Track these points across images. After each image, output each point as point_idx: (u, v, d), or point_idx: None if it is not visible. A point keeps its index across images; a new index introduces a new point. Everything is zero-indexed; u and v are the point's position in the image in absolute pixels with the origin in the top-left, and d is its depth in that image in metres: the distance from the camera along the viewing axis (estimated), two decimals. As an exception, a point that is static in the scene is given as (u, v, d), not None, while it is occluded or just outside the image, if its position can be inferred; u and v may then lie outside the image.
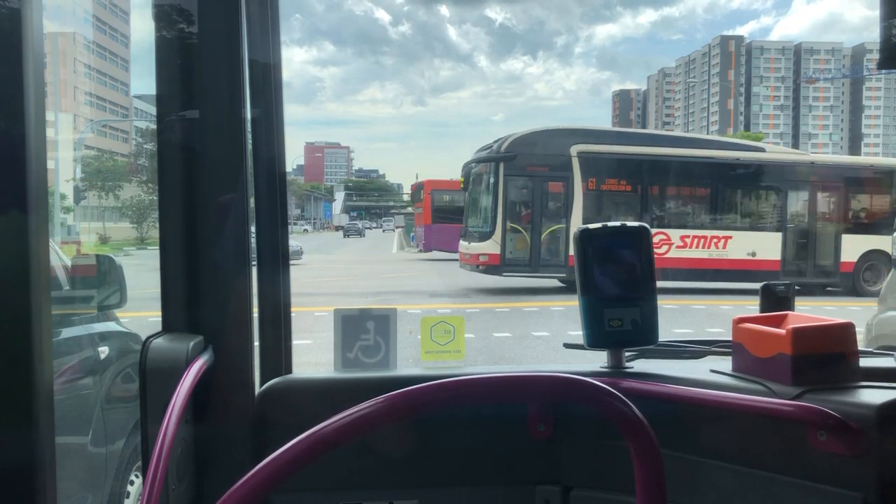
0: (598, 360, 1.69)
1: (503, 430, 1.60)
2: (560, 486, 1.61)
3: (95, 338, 3.88)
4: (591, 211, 16.93)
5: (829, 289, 17.50)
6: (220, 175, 1.53)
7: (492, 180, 17.18)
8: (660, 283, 1.63)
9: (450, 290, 17.71)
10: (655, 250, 1.66)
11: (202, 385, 1.44)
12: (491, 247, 16.93)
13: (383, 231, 75.44)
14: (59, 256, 4.14)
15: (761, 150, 19.87)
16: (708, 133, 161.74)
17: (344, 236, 61.05)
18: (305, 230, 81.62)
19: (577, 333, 1.66)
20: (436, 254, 27.17)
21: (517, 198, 17.39)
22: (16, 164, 0.92)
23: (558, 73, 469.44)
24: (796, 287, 1.74)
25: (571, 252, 1.75)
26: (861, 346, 1.43)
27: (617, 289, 1.60)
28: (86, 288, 3.88)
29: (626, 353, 1.66)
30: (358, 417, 0.87)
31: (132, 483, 3.85)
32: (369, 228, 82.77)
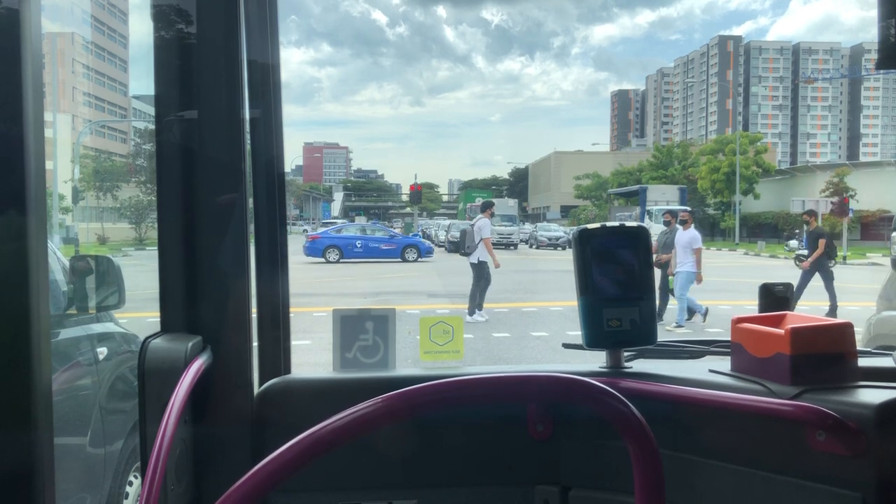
0: (596, 361, 1.69)
1: (502, 431, 1.60)
2: (559, 486, 1.61)
3: (94, 338, 3.88)
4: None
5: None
6: (218, 175, 1.53)
7: None
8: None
9: (449, 291, 17.71)
10: None
11: (201, 385, 1.44)
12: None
13: None
14: (58, 257, 4.14)
15: None
16: (706, 133, 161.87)
17: None
18: (305, 230, 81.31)
19: (575, 334, 1.66)
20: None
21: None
22: (14, 165, 0.92)
23: (555, 74, 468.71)
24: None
25: None
26: (860, 346, 1.44)
27: (616, 289, 1.60)
28: (84, 289, 3.88)
29: (625, 354, 1.66)
30: (357, 418, 0.87)
31: (131, 484, 3.85)
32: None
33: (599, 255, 1.61)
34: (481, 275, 12.84)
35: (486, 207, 13.64)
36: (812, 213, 14.09)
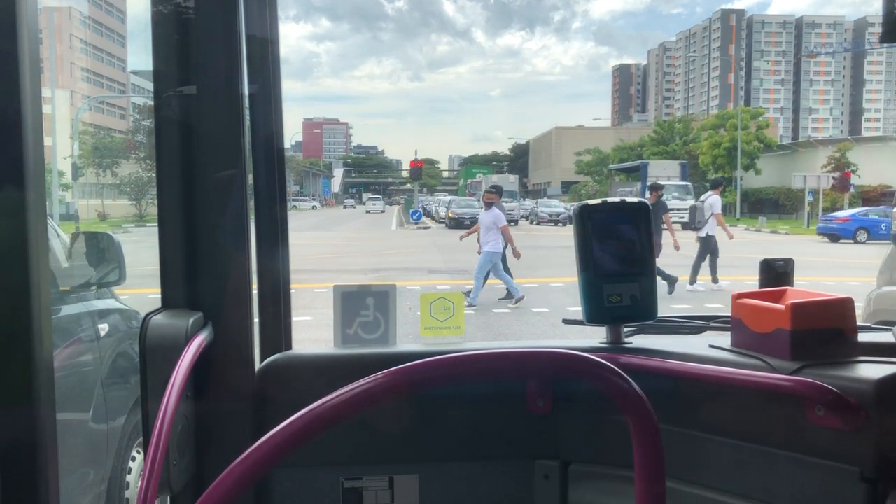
0: (597, 336, 1.69)
1: (502, 406, 1.61)
2: (559, 461, 1.62)
3: (95, 315, 3.89)
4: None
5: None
6: (218, 151, 1.52)
7: None
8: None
9: (449, 268, 17.73)
10: None
11: (202, 361, 1.44)
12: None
13: None
14: (58, 234, 4.14)
15: None
16: (708, 108, 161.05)
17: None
18: (314, 206, 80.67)
19: (576, 309, 1.66)
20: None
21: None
22: (12, 142, 0.91)
23: (556, 49, 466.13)
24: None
25: None
26: (860, 321, 1.44)
27: (616, 265, 1.60)
28: (84, 265, 3.88)
29: (625, 329, 1.67)
30: (357, 393, 0.87)
31: (134, 459, 3.88)
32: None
33: (600, 231, 1.60)
34: (707, 248, 13.67)
35: (717, 185, 15.32)
36: (657, 188, 13.90)
